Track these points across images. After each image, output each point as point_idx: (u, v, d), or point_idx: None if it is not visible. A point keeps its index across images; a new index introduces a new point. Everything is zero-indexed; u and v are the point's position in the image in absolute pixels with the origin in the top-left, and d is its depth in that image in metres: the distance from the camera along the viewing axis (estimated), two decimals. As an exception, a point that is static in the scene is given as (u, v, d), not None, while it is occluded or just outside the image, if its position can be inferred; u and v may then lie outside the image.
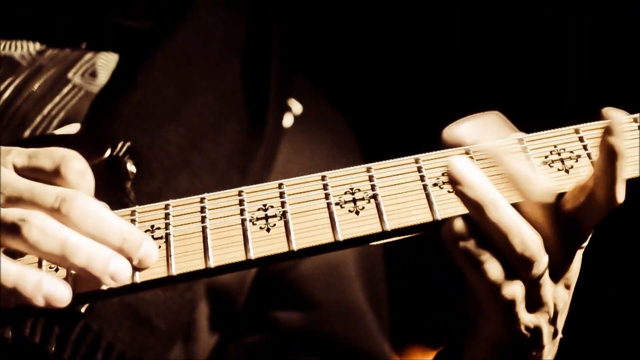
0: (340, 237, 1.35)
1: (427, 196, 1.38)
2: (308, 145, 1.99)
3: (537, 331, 1.35)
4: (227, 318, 1.91)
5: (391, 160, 1.43)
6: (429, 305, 2.62)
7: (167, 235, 1.37)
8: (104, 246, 1.29)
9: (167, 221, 1.39)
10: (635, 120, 1.43)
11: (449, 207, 1.37)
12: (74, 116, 1.78)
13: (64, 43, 1.87)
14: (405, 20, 2.61)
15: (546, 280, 1.32)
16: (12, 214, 1.26)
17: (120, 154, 1.61)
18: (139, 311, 1.68)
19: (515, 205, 1.32)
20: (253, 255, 1.34)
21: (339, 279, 1.94)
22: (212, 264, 1.34)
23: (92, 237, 1.29)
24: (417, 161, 1.42)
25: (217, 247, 1.35)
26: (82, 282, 1.32)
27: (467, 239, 1.29)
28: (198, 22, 1.90)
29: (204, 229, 1.37)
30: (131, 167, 1.62)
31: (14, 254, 1.31)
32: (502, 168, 1.31)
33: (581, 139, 1.42)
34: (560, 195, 1.34)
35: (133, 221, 1.39)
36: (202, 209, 1.40)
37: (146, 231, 1.38)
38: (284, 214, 1.38)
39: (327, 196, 1.39)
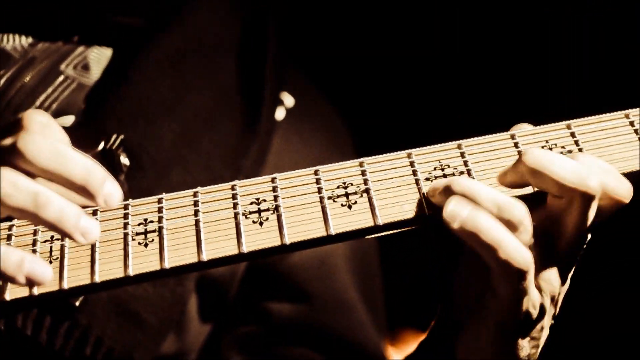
0: (333, 231, 1.36)
1: (419, 191, 1.38)
2: (300, 138, 1.99)
3: (542, 310, 1.35)
4: (218, 309, 1.92)
5: (383, 155, 1.44)
6: (422, 291, 2.63)
7: (161, 228, 1.38)
8: (75, 205, 1.28)
9: (161, 215, 1.39)
10: (626, 116, 1.44)
11: (441, 201, 1.37)
12: (67, 108, 1.78)
13: (56, 36, 1.87)
14: (401, 16, 2.61)
15: (557, 260, 1.34)
16: None
17: (114, 147, 1.61)
18: (129, 307, 1.68)
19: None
20: (246, 248, 1.35)
21: (330, 270, 1.95)
22: (205, 257, 1.35)
23: (54, 174, 1.27)
24: (409, 156, 1.43)
25: (209, 240, 1.36)
26: (75, 276, 1.32)
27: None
28: (193, 19, 1.90)
29: (197, 222, 1.38)
30: (125, 160, 1.63)
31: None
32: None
33: (573, 135, 1.43)
34: None
35: (126, 215, 1.39)
36: (196, 203, 1.40)
37: (139, 224, 1.39)
38: (276, 208, 1.38)
39: (319, 190, 1.40)
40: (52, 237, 1.37)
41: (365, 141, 2.19)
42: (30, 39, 1.86)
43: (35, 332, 1.57)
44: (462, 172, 1.40)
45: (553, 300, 1.37)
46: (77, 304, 1.60)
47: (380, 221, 1.36)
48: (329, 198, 1.39)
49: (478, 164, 1.40)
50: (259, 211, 1.39)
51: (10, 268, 1.25)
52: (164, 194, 1.42)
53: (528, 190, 1.37)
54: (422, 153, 1.43)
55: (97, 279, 1.34)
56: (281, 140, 1.94)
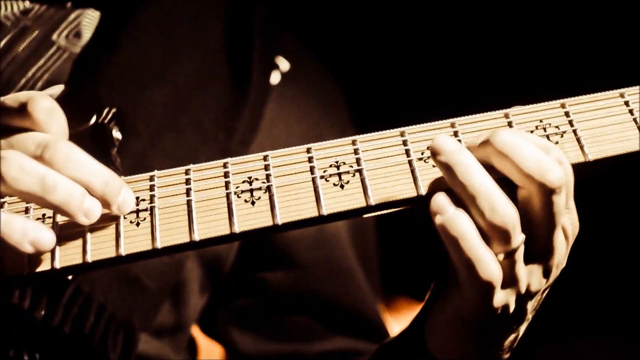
0: (325, 212, 1.36)
1: (412, 171, 1.38)
2: (295, 103, 1.98)
3: (505, 308, 1.35)
4: (215, 280, 1.92)
5: (376, 133, 1.43)
6: (418, 261, 2.63)
7: (152, 208, 1.37)
8: (79, 185, 1.29)
9: (152, 193, 1.39)
10: (621, 95, 1.43)
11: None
12: (58, 78, 1.77)
13: (48, 1, 1.84)
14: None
15: (520, 258, 1.32)
16: None
17: (106, 120, 1.60)
18: (129, 272, 1.69)
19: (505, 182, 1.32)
20: (237, 229, 1.35)
21: (327, 237, 1.95)
22: (197, 237, 1.35)
23: (77, 179, 1.29)
24: (402, 134, 1.42)
25: (201, 220, 1.36)
26: (67, 255, 1.32)
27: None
28: None
29: (188, 202, 1.37)
30: (117, 134, 1.62)
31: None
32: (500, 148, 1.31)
33: (567, 114, 1.42)
34: None
35: (117, 192, 1.39)
36: (187, 181, 1.40)
37: (131, 203, 1.38)
38: (268, 188, 1.38)
39: (312, 169, 1.39)
40: (43, 215, 1.37)
41: (362, 105, 2.18)
42: (22, 6, 1.84)
43: (33, 305, 1.58)
44: None
45: (518, 298, 1.36)
46: (69, 277, 1.60)
47: (373, 201, 1.36)
48: (321, 177, 1.38)
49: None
50: (251, 190, 1.38)
51: (15, 235, 1.26)
52: (155, 171, 1.41)
53: None
54: (415, 131, 1.42)
55: (89, 258, 1.34)
56: (276, 104, 1.93)
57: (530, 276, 1.34)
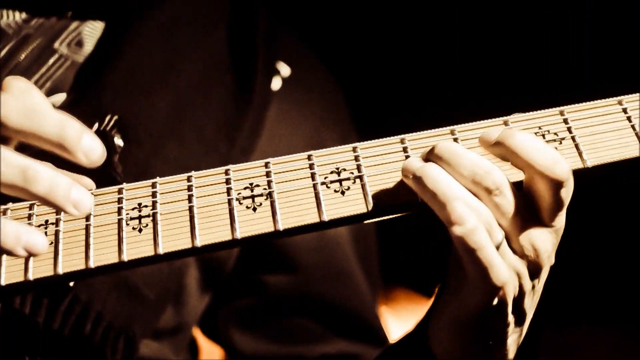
0: (326, 218, 1.37)
1: (413, 177, 1.39)
2: (296, 108, 1.99)
3: (504, 305, 1.36)
4: (216, 281, 1.93)
5: (377, 140, 1.44)
6: (418, 259, 2.64)
7: (155, 214, 1.38)
8: (65, 177, 1.26)
9: (155, 200, 1.40)
10: (619, 103, 1.44)
11: (434, 188, 1.38)
12: (60, 86, 1.78)
13: (49, 12, 1.85)
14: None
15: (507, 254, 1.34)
16: None
17: (108, 128, 1.61)
18: (128, 281, 1.70)
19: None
20: (239, 234, 1.36)
21: (328, 240, 1.96)
22: (199, 243, 1.36)
23: (27, 133, 1.24)
24: (402, 141, 1.43)
25: (203, 226, 1.37)
26: (70, 261, 1.33)
27: None
28: None
29: (190, 208, 1.38)
30: (118, 141, 1.63)
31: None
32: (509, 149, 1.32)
33: (565, 121, 1.43)
34: None
35: (120, 199, 1.40)
36: (189, 188, 1.41)
37: (133, 209, 1.39)
38: (270, 194, 1.39)
39: (313, 176, 1.40)
40: (46, 221, 1.38)
41: (363, 109, 2.19)
42: (24, 15, 1.85)
43: (33, 312, 1.59)
44: None
45: (515, 298, 1.37)
46: (71, 284, 1.61)
47: (373, 208, 1.37)
48: (322, 184, 1.40)
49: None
50: (253, 196, 1.39)
51: (9, 240, 1.25)
52: (157, 178, 1.42)
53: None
54: (416, 139, 1.44)
55: (92, 264, 1.35)
56: (277, 110, 1.94)
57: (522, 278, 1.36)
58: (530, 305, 1.41)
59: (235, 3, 1.96)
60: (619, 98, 1.44)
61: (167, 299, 1.77)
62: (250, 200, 1.39)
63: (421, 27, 2.58)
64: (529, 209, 1.34)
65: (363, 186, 1.39)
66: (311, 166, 1.42)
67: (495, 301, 1.33)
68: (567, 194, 1.32)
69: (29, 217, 1.39)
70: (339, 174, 1.40)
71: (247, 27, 1.93)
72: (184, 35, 1.88)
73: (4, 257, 1.33)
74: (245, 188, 1.40)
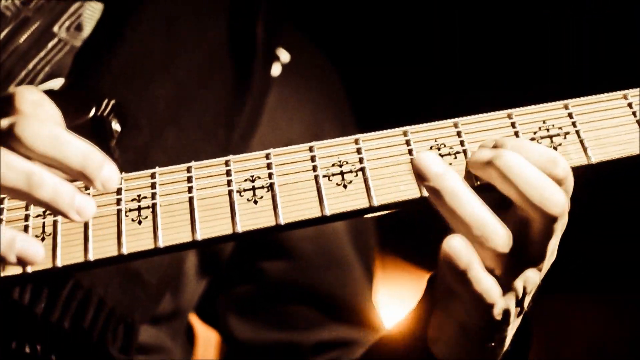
0: (328, 212, 1.35)
1: (416, 171, 1.37)
2: (296, 94, 1.98)
3: (506, 313, 1.36)
4: (213, 268, 1.93)
5: (379, 132, 1.42)
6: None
7: (154, 205, 1.37)
8: (69, 183, 1.26)
9: (154, 191, 1.38)
10: (624, 97, 1.43)
11: (437, 183, 1.37)
12: (59, 71, 1.75)
13: None
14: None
15: (515, 269, 1.33)
16: None
17: (105, 113, 1.58)
18: (129, 267, 1.69)
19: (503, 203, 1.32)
20: (240, 228, 1.34)
21: (325, 228, 1.95)
22: (199, 236, 1.34)
23: (51, 159, 1.25)
24: (405, 134, 1.41)
25: (204, 219, 1.35)
26: (69, 253, 1.32)
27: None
28: None
29: (190, 199, 1.37)
30: (116, 126, 1.60)
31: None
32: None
33: (570, 115, 1.41)
34: None
35: (119, 190, 1.38)
36: (189, 179, 1.39)
37: (132, 200, 1.37)
38: (271, 186, 1.37)
39: (314, 168, 1.39)
40: (44, 211, 1.36)
41: (362, 95, 2.17)
42: None
43: (33, 300, 1.57)
44: (457, 153, 1.39)
45: (518, 301, 1.37)
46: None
47: (376, 202, 1.36)
48: (324, 176, 1.38)
49: (475, 144, 1.39)
50: (254, 189, 1.37)
51: (2, 247, 1.24)
52: (157, 168, 1.40)
53: None
54: (418, 131, 1.42)
55: (91, 257, 1.33)
56: (277, 96, 1.93)
57: (525, 280, 1.35)
58: (529, 301, 1.41)
59: None
60: (624, 92, 1.43)
61: (167, 284, 1.76)
62: (251, 192, 1.37)
63: (422, 17, 2.56)
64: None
65: (365, 180, 1.37)
66: (313, 158, 1.40)
67: (494, 311, 1.33)
68: (562, 226, 1.31)
69: (27, 207, 1.37)
70: (341, 166, 1.39)
71: (248, 14, 1.91)
72: (185, 21, 1.86)
73: None
74: (245, 180, 1.38)
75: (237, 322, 1.95)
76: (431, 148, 1.39)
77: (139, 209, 1.37)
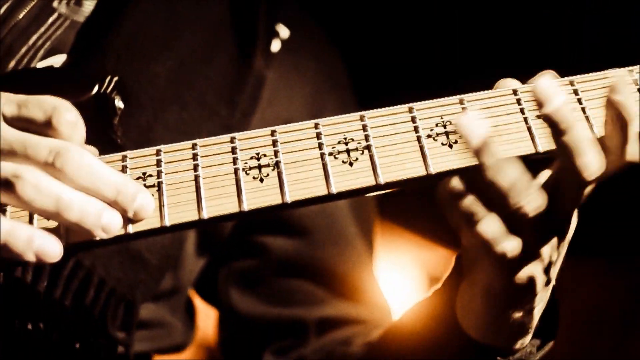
0: (334, 190, 1.35)
1: (421, 149, 1.37)
2: (296, 70, 1.97)
3: (531, 280, 1.37)
4: (213, 243, 1.93)
5: (384, 108, 1.42)
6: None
7: (160, 183, 1.36)
8: (96, 200, 1.28)
9: (159, 169, 1.37)
10: (635, 83, 1.42)
11: (443, 160, 1.37)
12: (60, 46, 1.74)
13: None
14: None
15: (545, 237, 1.34)
16: (4, 169, 1.24)
17: (108, 90, 1.57)
18: (130, 247, 1.69)
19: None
20: (246, 207, 1.34)
21: (329, 205, 1.95)
22: (206, 215, 1.34)
23: (86, 191, 1.28)
24: (410, 110, 1.41)
25: (210, 197, 1.35)
26: (75, 233, 1.31)
27: (464, 197, 1.30)
28: None
29: (196, 177, 1.36)
30: (119, 104, 1.59)
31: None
32: None
33: (576, 92, 1.41)
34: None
35: (124, 167, 1.37)
36: (195, 156, 1.38)
37: (137, 178, 1.37)
38: (277, 164, 1.37)
39: (320, 146, 1.38)
40: None
41: (361, 76, 2.17)
42: None
43: (35, 278, 1.58)
44: None
45: (545, 269, 1.38)
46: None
47: (382, 180, 1.35)
48: (330, 154, 1.37)
49: (481, 122, 1.39)
50: (259, 167, 1.37)
51: (20, 244, 1.25)
52: (162, 146, 1.39)
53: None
54: (424, 108, 1.41)
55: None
56: (276, 72, 1.92)
57: (552, 248, 1.36)
58: (556, 270, 1.42)
59: None
60: (630, 68, 1.43)
61: (168, 264, 1.76)
62: (257, 170, 1.37)
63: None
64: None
65: (371, 157, 1.37)
66: (318, 135, 1.39)
67: (517, 272, 1.34)
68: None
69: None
70: (346, 144, 1.38)
71: None
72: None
73: None
74: (251, 158, 1.38)
75: (239, 296, 1.96)
76: (437, 125, 1.39)
77: (145, 187, 1.36)
